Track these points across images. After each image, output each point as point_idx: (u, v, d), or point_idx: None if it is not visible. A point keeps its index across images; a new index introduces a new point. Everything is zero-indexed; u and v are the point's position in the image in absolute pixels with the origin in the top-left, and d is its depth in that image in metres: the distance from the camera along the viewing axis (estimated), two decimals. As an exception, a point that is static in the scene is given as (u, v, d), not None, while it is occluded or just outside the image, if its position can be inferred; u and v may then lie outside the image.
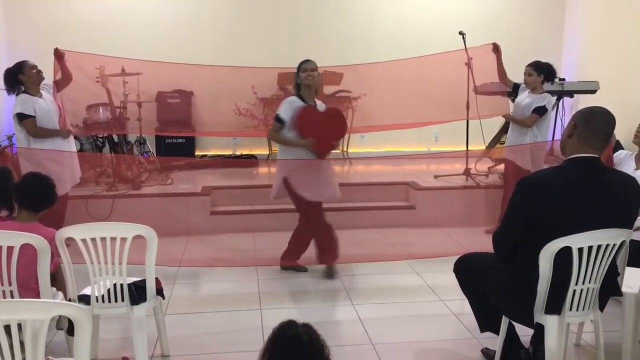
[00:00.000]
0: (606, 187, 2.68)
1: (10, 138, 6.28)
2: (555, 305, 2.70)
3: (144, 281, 3.15)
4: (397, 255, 5.00)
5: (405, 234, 5.75)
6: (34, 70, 4.75)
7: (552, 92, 5.62)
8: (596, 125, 2.68)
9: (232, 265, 4.96)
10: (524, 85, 5.41)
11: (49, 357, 2.35)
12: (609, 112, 2.72)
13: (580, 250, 2.60)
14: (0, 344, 1.92)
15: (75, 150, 5.19)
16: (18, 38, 7.42)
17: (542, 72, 5.24)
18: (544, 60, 5.33)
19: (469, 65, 6.16)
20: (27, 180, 3.25)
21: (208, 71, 6.81)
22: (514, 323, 2.93)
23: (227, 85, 7.02)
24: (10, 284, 2.86)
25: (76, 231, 2.99)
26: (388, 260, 4.99)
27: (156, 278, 3.18)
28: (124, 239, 2.98)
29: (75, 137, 5.54)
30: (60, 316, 2.50)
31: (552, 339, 2.71)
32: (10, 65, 4.84)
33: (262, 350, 1.81)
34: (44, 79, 4.85)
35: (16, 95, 4.76)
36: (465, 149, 6.91)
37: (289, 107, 4.47)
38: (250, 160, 7.74)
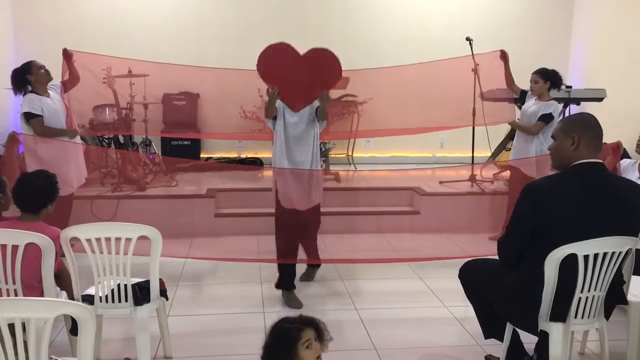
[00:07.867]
0: (612, 194, 2.67)
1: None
2: (560, 313, 2.69)
3: (147, 282, 3.14)
4: (400, 258, 5.00)
5: (409, 239, 5.74)
6: (42, 70, 4.75)
7: (558, 100, 5.60)
8: (595, 128, 2.73)
9: (236, 260, 4.95)
10: (530, 93, 5.39)
11: (52, 356, 2.35)
12: (591, 114, 2.83)
13: (586, 257, 2.59)
14: (4, 342, 1.93)
15: (82, 151, 5.20)
16: (25, 38, 7.45)
17: (548, 79, 5.21)
18: (550, 67, 5.31)
19: (475, 71, 6.15)
20: (16, 187, 3.18)
21: (214, 74, 6.83)
22: (518, 330, 2.91)
23: (233, 87, 7.01)
24: (14, 283, 2.87)
25: (81, 231, 2.99)
26: (391, 262, 4.98)
27: (160, 279, 3.19)
28: (128, 240, 2.99)
29: (81, 138, 5.54)
30: (64, 315, 2.50)
31: (557, 346, 2.69)
32: (18, 66, 4.83)
33: None
34: (52, 78, 4.86)
35: (23, 95, 4.77)
36: (471, 154, 6.89)
37: None
38: (256, 166, 7.74)
